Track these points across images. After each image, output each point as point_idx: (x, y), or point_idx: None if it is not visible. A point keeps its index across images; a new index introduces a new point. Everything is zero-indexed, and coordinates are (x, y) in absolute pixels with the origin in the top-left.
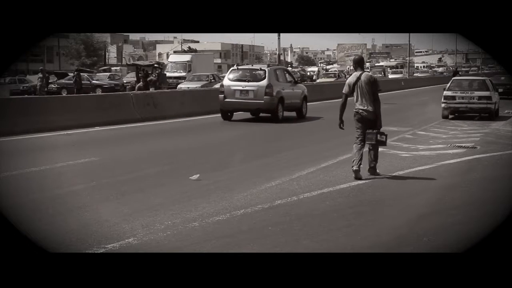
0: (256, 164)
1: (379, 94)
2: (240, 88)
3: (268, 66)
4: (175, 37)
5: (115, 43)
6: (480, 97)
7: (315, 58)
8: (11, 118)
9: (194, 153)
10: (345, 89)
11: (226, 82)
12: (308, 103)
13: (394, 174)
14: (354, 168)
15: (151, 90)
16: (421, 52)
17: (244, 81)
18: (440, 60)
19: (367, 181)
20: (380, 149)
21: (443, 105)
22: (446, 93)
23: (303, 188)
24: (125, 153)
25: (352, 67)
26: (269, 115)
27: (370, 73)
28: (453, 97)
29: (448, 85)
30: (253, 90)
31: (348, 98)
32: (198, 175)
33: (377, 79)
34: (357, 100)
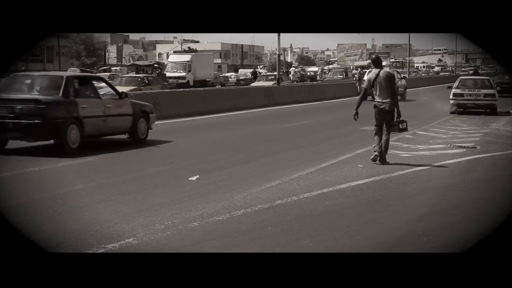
0: (256, 164)
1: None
2: None
3: (387, 67)
4: (175, 37)
5: (115, 43)
6: (486, 95)
7: (315, 58)
8: None
9: (194, 153)
10: (366, 85)
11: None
12: (310, 103)
13: (394, 174)
14: (375, 153)
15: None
16: (439, 50)
17: None
18: (440, 60)
19: (367, 181)
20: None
21: (452, 101)
22: (454, 91)
23: (303, 188)
24: (125, 153)
25: (353, 67)
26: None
27: (388, 70)
28: (462, 95)
29: (456, 84)
30: None
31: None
32: (197, 176)
33: (394, 76)
34: (376, 94)
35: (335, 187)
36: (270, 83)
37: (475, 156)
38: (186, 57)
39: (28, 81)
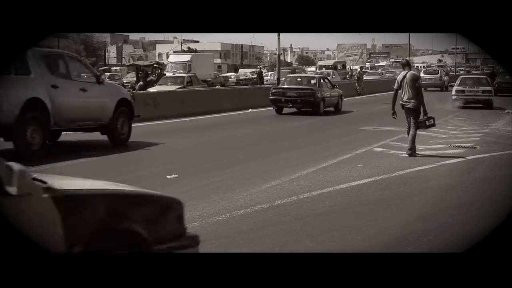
0: (256, 164)
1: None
2: (428, 77)
3: (441, 66)
4: (175, 37)
5: (115, 43)
6: (484, 91)
7: (315, 58)
8: None
9: (194, 153)
10: (395, 85)
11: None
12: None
13: (394, 174)
14: (408, 151)
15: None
16: (457, 48)
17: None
18: (440, 60)
19: (367, 181)
20: (380, 149)
21: (454, 97)
22: (457, 88)
23: (303, 188)
24: (124, 153)
25: (351, 67)
26: (439, 89)
27: (414, 72)
28: (463, 91)
29: (457, 82)
30: (434, 78)
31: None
32: (176, 175)
33: (419, 77)
34: (404, 94)
35: (335, 187)
36: (173, 87)
37: (475, 156)
38: (186, 57)
39: (299, 79)
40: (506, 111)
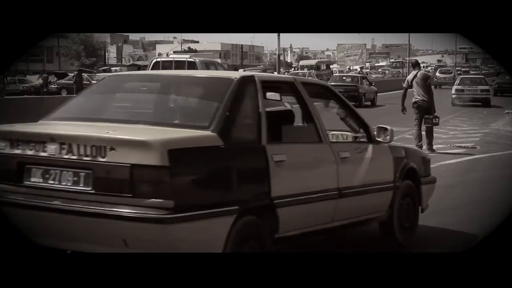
0: None
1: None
2: (443, 76)
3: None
4: (175, 37)
5: (115, 43)
6: (482, 90)
7: (315, 58)
8: (11, 118)
9: None
10: (405, 84)
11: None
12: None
13: None
14: (416, 145)
15: None
16: (464, 48)
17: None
18: (439, 60)
19: None
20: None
21: (453, 96)
22: (456, 87)
23: None
24: None
25: (350, 67)
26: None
27: (424, 72)
28: (462, 90)
29: (457, 81)
30: (448, 77)
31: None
32: None
33: (429, 76)
34: (414, 92)
35: None
36: None
37: (475, 156)
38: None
39: (344, 78)
40: (506, 111)
